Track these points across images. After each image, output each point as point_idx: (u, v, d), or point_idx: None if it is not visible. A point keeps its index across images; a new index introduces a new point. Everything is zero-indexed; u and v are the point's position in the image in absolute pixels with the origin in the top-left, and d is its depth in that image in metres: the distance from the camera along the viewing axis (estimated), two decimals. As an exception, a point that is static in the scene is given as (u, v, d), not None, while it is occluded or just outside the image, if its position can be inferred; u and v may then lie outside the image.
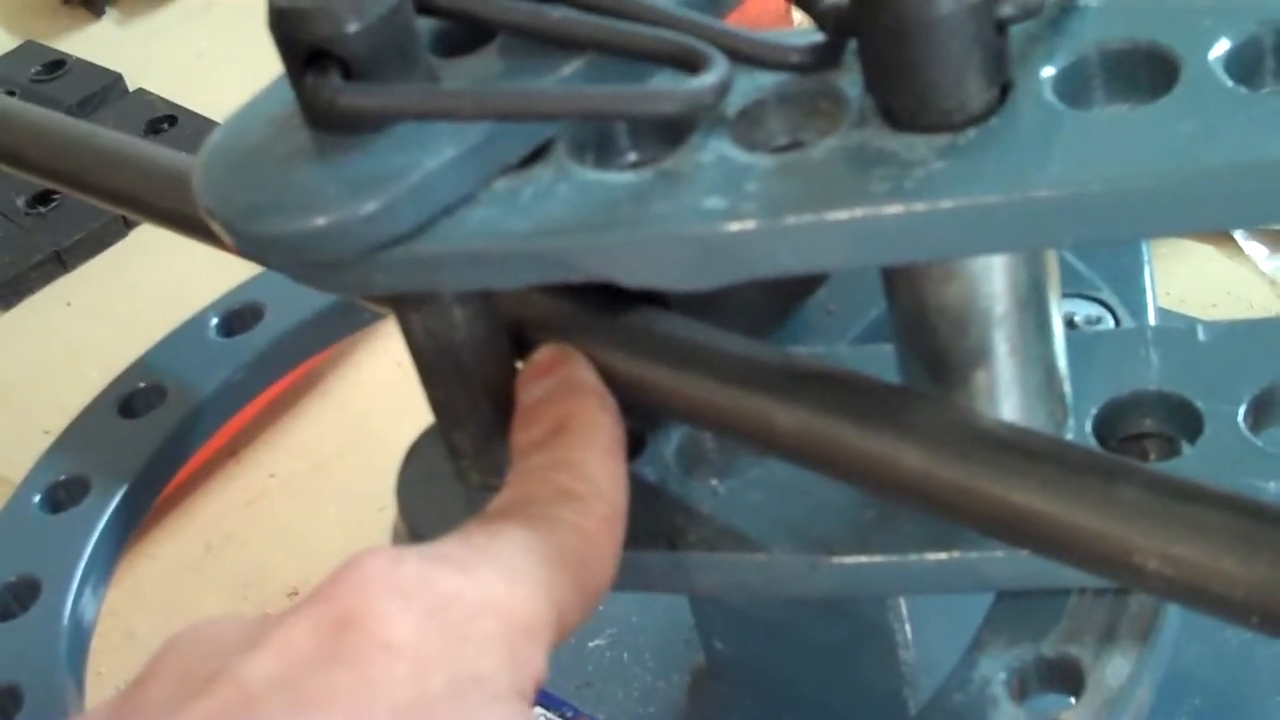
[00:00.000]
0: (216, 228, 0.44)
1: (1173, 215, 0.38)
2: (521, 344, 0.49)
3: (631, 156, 0.46)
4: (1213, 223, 0.38)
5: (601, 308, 0.49)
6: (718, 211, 0.41)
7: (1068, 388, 0.49)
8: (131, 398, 0.73)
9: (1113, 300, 0.61)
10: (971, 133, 0.40)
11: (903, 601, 0.57)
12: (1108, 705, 0.47)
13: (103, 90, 1.34)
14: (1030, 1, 0.40)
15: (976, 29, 0.39)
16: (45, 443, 0.74)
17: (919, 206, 0.39)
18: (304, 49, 0.42)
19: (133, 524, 0.69)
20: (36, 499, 0.69)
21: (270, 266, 0.46)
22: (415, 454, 0.55)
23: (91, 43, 1.45)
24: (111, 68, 1.36)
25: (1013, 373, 0.47)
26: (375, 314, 0.64)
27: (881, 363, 0.50)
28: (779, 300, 0.57)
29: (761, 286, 0.46)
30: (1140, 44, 0.41)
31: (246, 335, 0.75)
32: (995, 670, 0.48)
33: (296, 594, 0.90)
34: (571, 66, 0.45)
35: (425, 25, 0.46)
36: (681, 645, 0.75)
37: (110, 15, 1.50)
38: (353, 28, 0.42)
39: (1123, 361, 0.51)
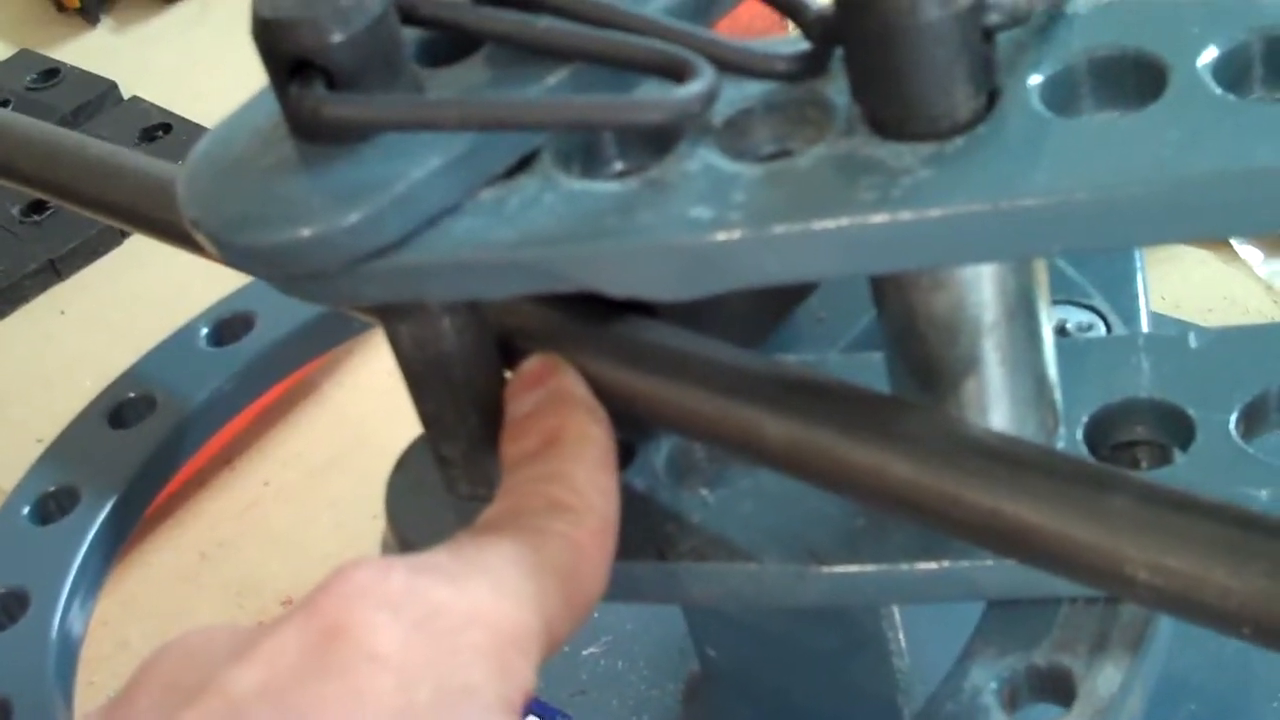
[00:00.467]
0: (201, 239, 0.44)
1: (1161, 224, 0.38)
2: (510, 354, 0.49)
3: (618, 166, 0.46)
4: (1202, 232, 0.38)
5: (590, 317, 0.48)
6: (704, 221, 0.41)
7: (1058, 395, 0.49)
8: (121, 408, 0.73)
9: (1104, 307, 0.61)
10: (959, 141, 0.40)
11: (896, 609, 0.57)
12: (1099, 715, 0.46)
13: (97, 98, 1.34)
14: (1018, 8, 0.40)
15: (963, 36, 0.39)
16: (39, 451, 0.74)
17: (906, 215, 0.39)
18: (288, 59, 0.42)
19: (122, 535, 0.69)
20: (25, 510, 0.69)
21: (256, 276, 0.46)
22: (404, 464, 0.55)
23: (86, 51, 1.45)
24: (106, 76, 1.36)
25: (1002, 381, 0.46)
26: (366, 323, 0.64)
27: (871, 371, 0.49)
28: (768, 309, 0.57)
29: (750, 295, 0.46)
30: (1128, 51, 0.41)
31: (237, 345, 0.75)
32: (986, 680, 0.48)
33: (291, 602, 0.89)
34: (557, 76, 0.45)
35: (410, 35, 0.45)
36: (676, 653, 0.75)
37: (105, 23, 1.50)
38: (337, 38, 0.42)
39: (1114, 369, 0.50)
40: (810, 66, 0.43)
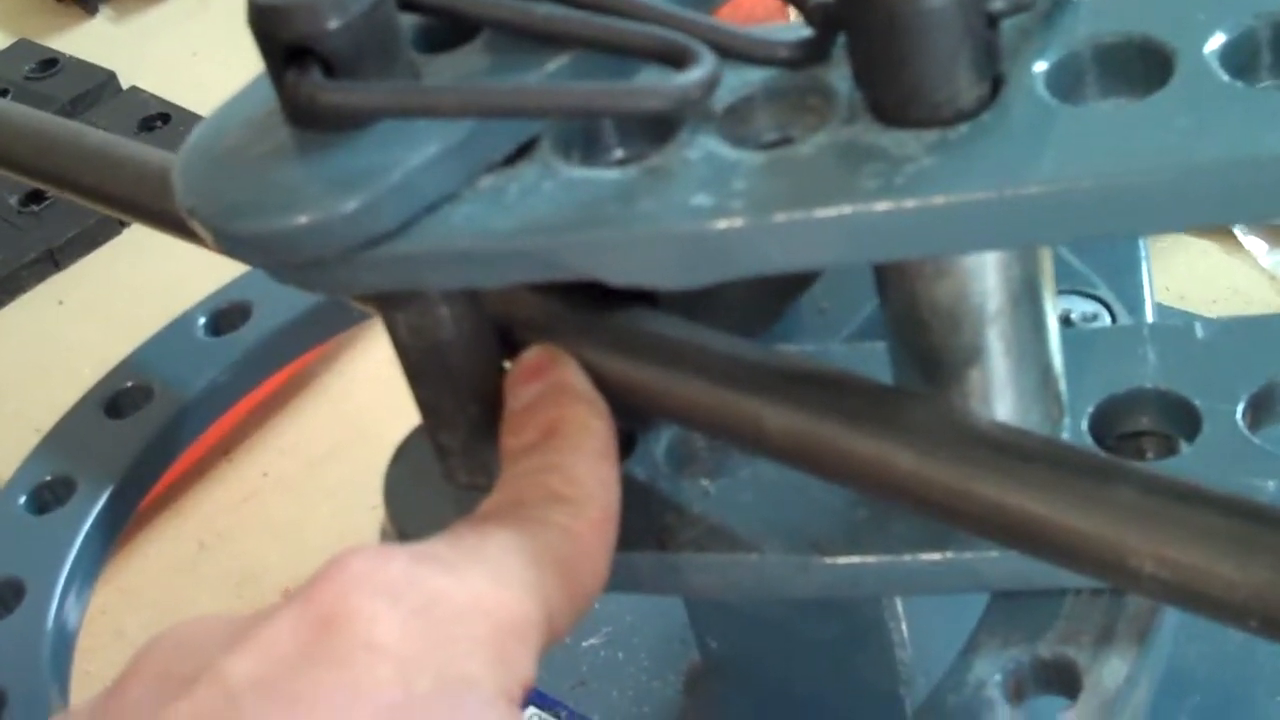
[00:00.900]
0: (197, 227, 0.44)
1: (1167, 211, 0.37)
2: (509, 344, 0.49)
3: (618, 153, 0.45)
4: (1208, 219, 0.38)
5: (590, 307, 0.48)
6: (705, 209, 0.40)
7: (1063, 386, 0.48)
8: (118, 398, 0.73)
9: (1109, 297, 0.61)
10: (963, 128, 0.39)
11: (899, 600, 0.57)
12: (1105, 707, 0.46)
13: (96, 88, 1.34)
14: (1022, -6, 0.40)
15: (967, 22, 0.39)
16: (37, 441, 0.74)
17: (909, 203, 0.38)
18: (284, 46, 0.42)
19: (119, 525, 0.69)
20: (21, 500, 0.69)
21: (252, 265, 0.46)
22: (403, 453, 0.55)
23: (85, 41, 1.45)
24: (105, 66, 1.36)
25: (1007, 371, 0.46)
26: (365, 312, 0.63)
27: (874, 361, 0.49)
28: (770, 299, 0.57)
29: (752, 285, 0.46)
30: (1134, 38, 0.40)
31: (234, 334, 0.74)
32: (991, 672, 0.47)
33: (290, 593, 0.89)
34: (557, 63, 0.44)
35: (408, 21, 0.45)
36: (677, 645, 0.74)
37: (104, 13, 1.50)
38: (334, 24, 0.41)
39: (1119, 359, 0.50)
40: (812, 53, 0.42)
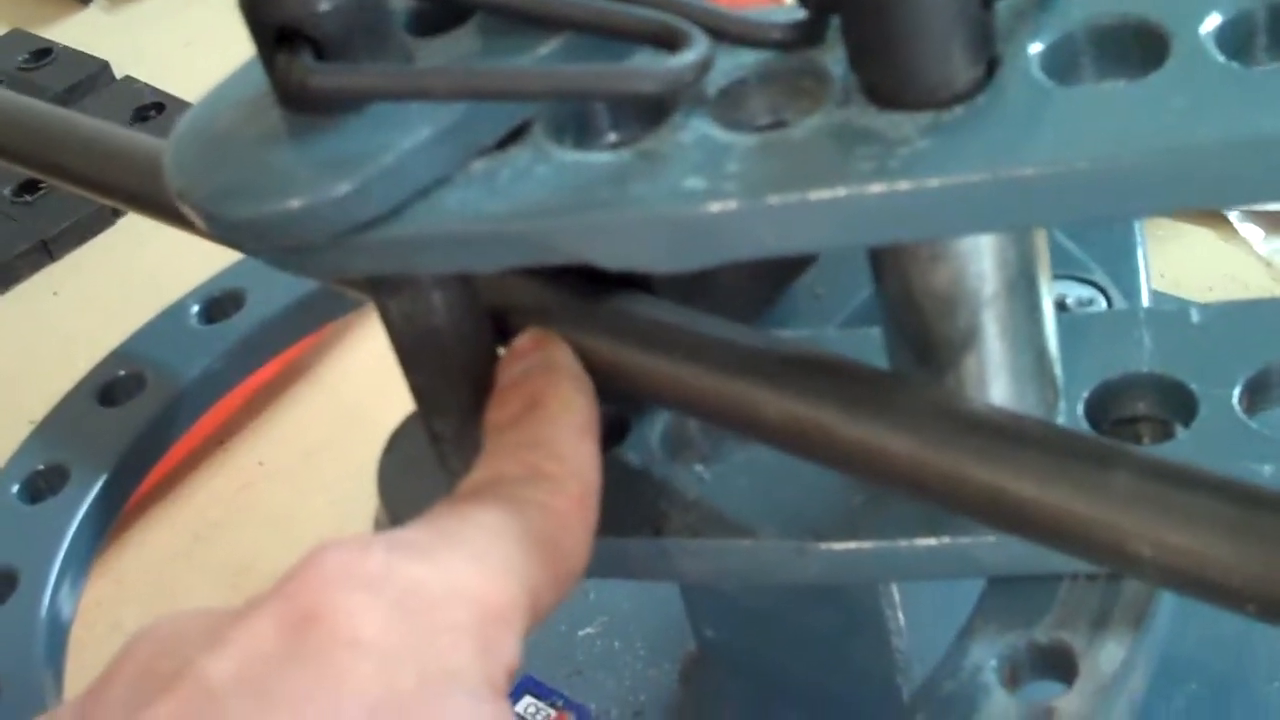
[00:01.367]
0: (188, 211, 0.43)
1: (1163, 193, 0.37)
2: (503, 330, 0.49)
3: (611, 137, 0.45)
4: (1203, 201, 0.37)
5: (584, 292, 0.48)
6: (698, 192, 0.40)
7: (1059, 370, 0.48)
8: (111, 386, 0.72)
9: (1105, 282, 0.61)
10: (957, 110, 0.39)
11: (895, 587, 0.57)
12: (1101, 692, 0.46)
13: (89, 78, 1.34)
14: (1017, -26, 0.39)
15: (961, 4, 0.38)
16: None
17: (903, 185, 0.38)
18: (275, 29, 0.42)
19: (113, 514, 0.68)
20: (14, 489, 0.68)
21: (244, 250, 0.46)
22: (396, 441, 0.54)
23: (78, 30, 1.45)
24: (98, 55, 1.36)
25: (1002, 355, 0.46)
26: (358, 300, 0.63)
27: (869, 346, 0.49)
28: (765, 284, 0.57)
29: (747, 270, 0.46)
30: (1130, 19, 0.40)
31: (228, 322, 0.74)
32: (987, 657, 0.47)
33: (281, 584, 0.89)
34: (549, 46, 0.44)
35: (400, 4, 0.45)
36: (673, 633, 0.74)
37: (97, 3, 1.50)
38: (325, 6, 0.41)
39: (1115, 343, 0.50)
40: (806, 35, 0.42)
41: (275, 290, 0.74)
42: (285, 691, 0.36)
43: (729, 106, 0.43)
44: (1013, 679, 0.47)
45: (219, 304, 0.75)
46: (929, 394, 0.43)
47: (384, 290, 0.47)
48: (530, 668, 0.74)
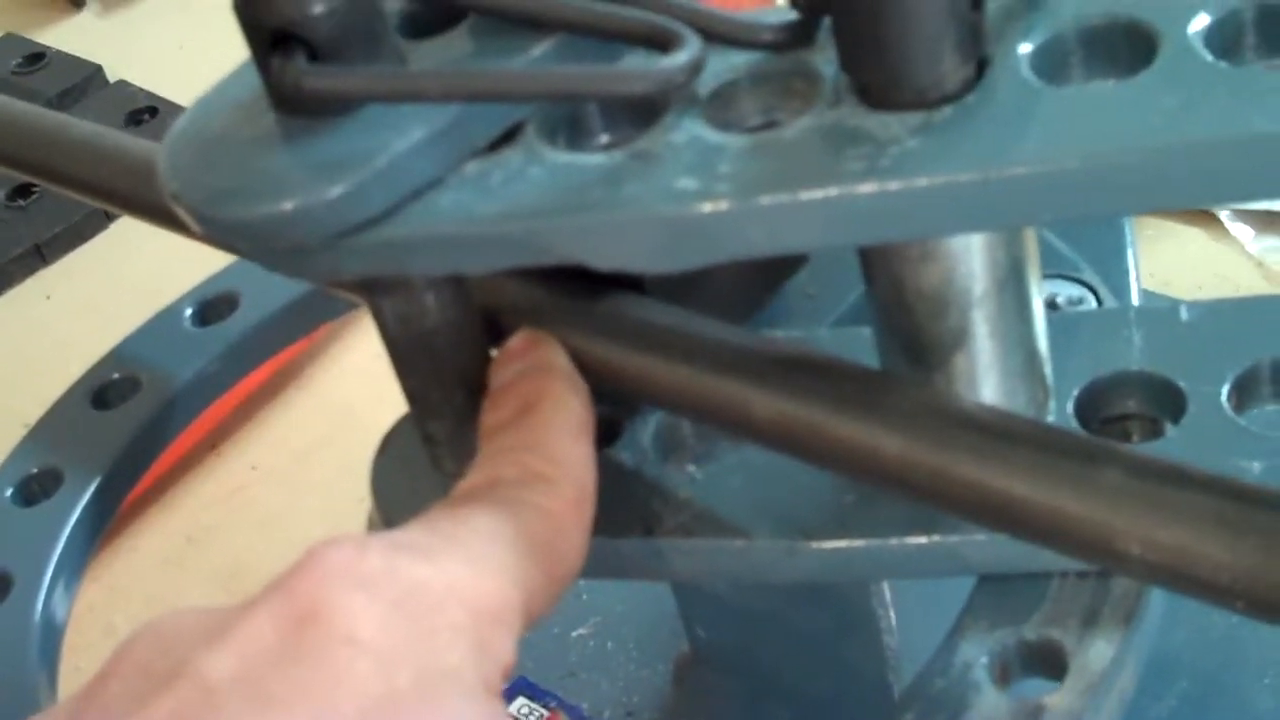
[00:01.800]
0: (182, 213, 0.44)
1: (1152, 191, 0.37)
2: (496, 331, 0.49)
3: (603, 138, 0.45)
4: (1193, 199, 0.38)
5: (577, 293, 0.48)
6: (690, 192, 0.40)
7: (1049, 369, 0.49)
8: (105, 389, 0.73)
9: (1095, 281, 0.61)
10: (947, 110, 0.39)
11: (886, 586, 0.57)
12: (1091, 689, 0.46)
13: (83, 82, 1.33)
14: (1007, -24, 0.40)
15: (951, 4, 0.39)
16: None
17: (894, 185, 0.38)
18: (269, 31, 0.42)
19: (107, 517, 0.68)
20: (8, 492, 0.68)
21: (237, 252, 0.46)
22: (390, 443, 0.54)
23: (72, 35, 1.45)
24: (92, 59, 1.36)
25: (992, 354, 0.46)
26: (351, 302, 0.63)
27: (861, 346, 0.49)
28: (757, 284, 0.57)
29: (738, 270, 0.46)
30: (1119, 19, 0.40)
31: (221, 325, 0.74)
32: (977, 655, 0.47)
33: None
34: (542, 47, 0.44)
35: (393, 6, 0.45)
36: (666, 634, 0.74)
37: (90, 7, 1.50)
38: (318, 9, 0.41)
39: (1105, 342, 0.50)
40: (797, 36, 0.42)
41: (269, 293, 0.74)
42: (283, 689, 0.37)
43: (721, 107, 0.43)
44: (1003, 676, 0.47)
45: (213, 307, 0.75)
46: (920, 393, 0.44)
47: (377, 292, 0.47)
48: (524, 669, 0.74)
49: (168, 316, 0.75)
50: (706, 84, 0.43)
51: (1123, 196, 0.38)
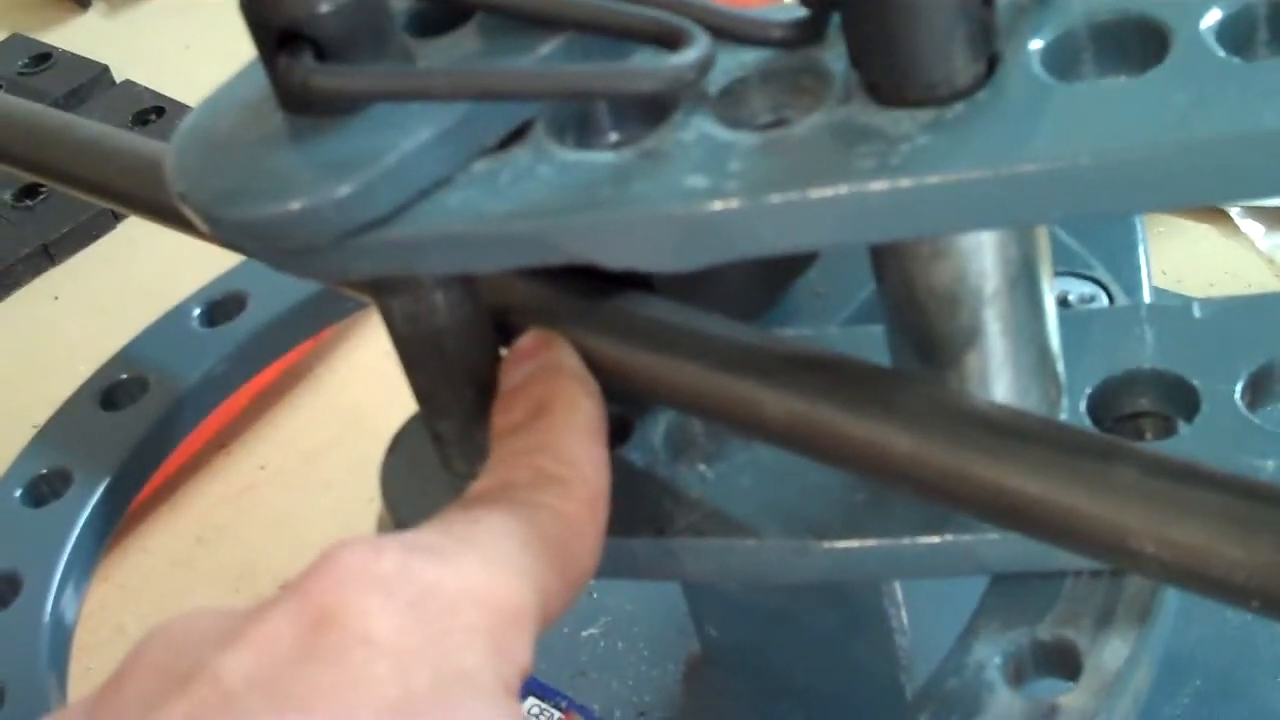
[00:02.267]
0: (189, 213, 0.43)
1: (1164, 188, 0.37)
2: (506, 330, 0.49)
3: (612, 136, 0.45)
4: (1205, 196, 0.37)
5: (586, 292, 0.48)
6: (700, 190, 0.40)
7: (1061, 367, 0.48)
8: (113, 389, 0.72)
9: (1107, 278, 0.61)
10: (958, 107, 0.39)
11: (898, 586, 0.57)
12: (1106, 689, 0.46)
13: (90, 82, 1.33)
14: (1017, -28, 0.39)
15: (962, 0, 0.38)
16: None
17: (905, 183, 0.38)
18: (276, 30, 0.42)
19: (116, 518, 0.68)
20: (17, 493, 0.68)
21: (245, 253, 0.46)
22: (399, 443, 0.54)
23: (78, 35, 1.45)
24: (98, 59, 1.36)
25: (1005, 353, 0.46)
26: (360, 302, 0.63)
27: (872, 344, 0.49)
28: (767, 283, 0.57)
29: (748, 269, 0.46)
30: (1130, 14, 0.40)
31: (229, 325, 0.74)
32: (990, 655, 0.47)
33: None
34: (550, 45, 0.44)
35: (400, 5, 0.45)
36: (676, 634, 0.74)
37: (97, 7, 1.50)
38: (325, 8, 0.41)
39: (1117, 340, 0.50)
40: (807, 33, 0.42)
41: (277, 292, 0.74)
42: (300, 691, 0.36)
43: (730, 105, 0.43)
44: (1017, 676, 0.47)
45: (221, 306, 0.75)
46: (931, 391, 0.43)
47: (386, 291, 0.47)
48: (534, 669, 0.73)
49: (176, 317, 0.75)
50: (716, 81, 0.43)
51: (1135, 194, 0.37)
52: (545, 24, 0.44)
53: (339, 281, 0.52)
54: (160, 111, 1.27)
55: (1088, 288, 0.60)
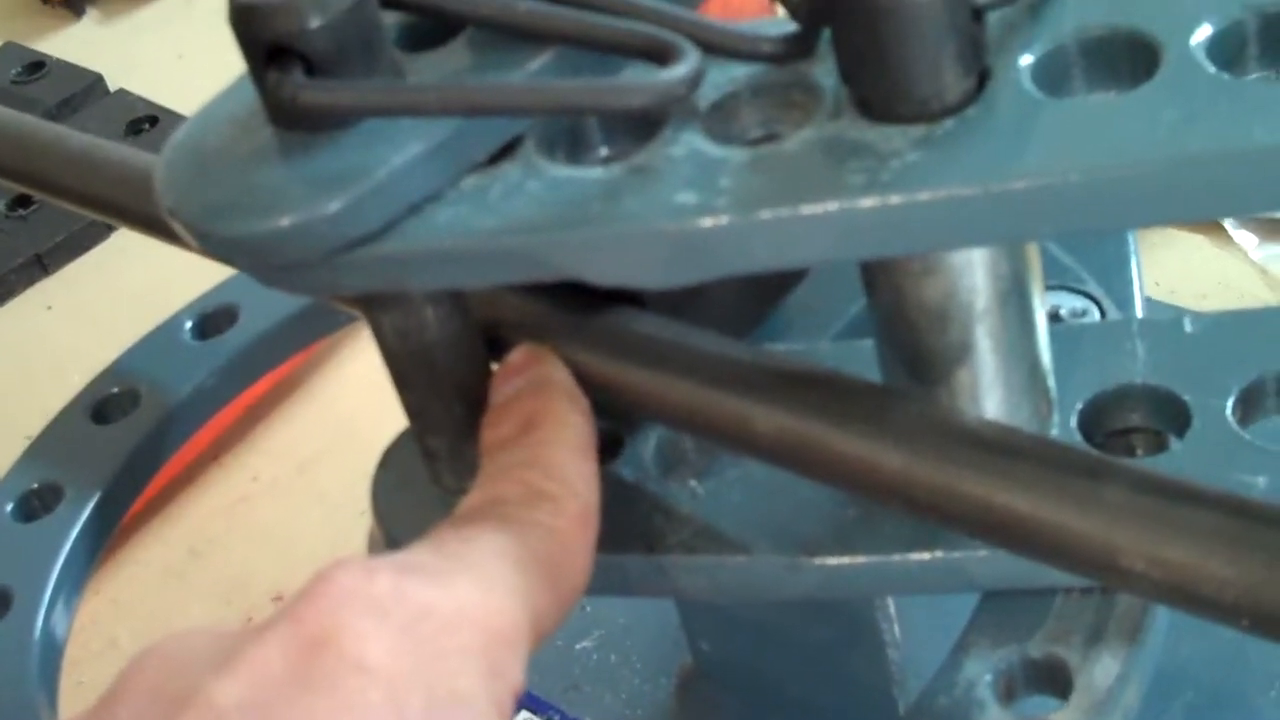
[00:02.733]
0: (178, 228, 0.43)
1: (1154, 205, 0.37)
2: (496, 345, 0.49)
3: (603, 152, 0.45)
4: (1195, 213, 0.37)
5: (577, 308, 0.48)
6: (690, 207, 0.40)
7: (1052, 383, 0.48)
8: (104, 403, 0.72)
9: (1099, 293, 0.61)
10: (948, 123, 0.39)
11: (891, 600, 0.57)
12: (1096, 707, 0.46)
13: (83, 91, 1.33)
14: (1007, -13, 0.39)
15: (952, 16, 0.38)
16: (26, 447, 0.74)
17: (895, 199, 0.38)
18: (265, 45, 0.42)
19: (107, 532, 0.68)
20: (8, 507, 0.68)
21: (236, 267, 0.46)
22: (390, 458, 0.54)
23: (72, 43, 1.45)
24: (92, 68, 1.36)
25: (995, 368, 0.46)
26: (351, 315, 0.63)
27: (862, 359, 0.49)
28: (757, 299, 0.56)
29: (739, 284, 0.45)
30: (1120, 30, 0.40)
31: (221, 338, 0.74)
32: (981, 672, 0.47)
33: (281, 599, 0.89)
34: (540, 60, 0.44)
35: (390, 19, 0.45)
36: (669, 647, 0.74)
37: (90, 16, 1.50)
38: (315, 23, 0.41)
39: (1109, 355, 0.50)
40: (797, 48, 0.42)
41: (268, 306, 0.74)
42: (295, 717, 0.36)
43: (720, 120, 0.43)
44: (1007, 693, 0.47)
45: (212, 320, 0.75)
46: (921, 408, 0.43)
47: (376, 306, 0.47)
48: (527, 682, 0.73)
49: (167, 330, 0.75)
50: (706, 96, 0.43)
51: (1125, 210, 0.37)
52: (535, 39, 0.44)
53: (329, 297, 0.52)
54: (154, 121, 1.27)
55: (1079, 302, 0.60)
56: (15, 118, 0.71)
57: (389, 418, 0.53)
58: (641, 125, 0.43)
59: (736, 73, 0.43)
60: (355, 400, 1.02)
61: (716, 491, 0.50)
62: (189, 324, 0.75)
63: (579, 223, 0.41)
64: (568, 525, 0.43)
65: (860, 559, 0.48)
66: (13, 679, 0.61)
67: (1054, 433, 0.48)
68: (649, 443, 0.52)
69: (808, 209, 0.39)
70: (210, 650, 0.39)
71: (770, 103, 0.43)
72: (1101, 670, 0.46)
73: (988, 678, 0.47)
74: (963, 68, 0.39)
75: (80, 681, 0.81)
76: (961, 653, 0.47)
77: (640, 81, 0.41)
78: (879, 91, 0.40)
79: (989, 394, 0.46)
